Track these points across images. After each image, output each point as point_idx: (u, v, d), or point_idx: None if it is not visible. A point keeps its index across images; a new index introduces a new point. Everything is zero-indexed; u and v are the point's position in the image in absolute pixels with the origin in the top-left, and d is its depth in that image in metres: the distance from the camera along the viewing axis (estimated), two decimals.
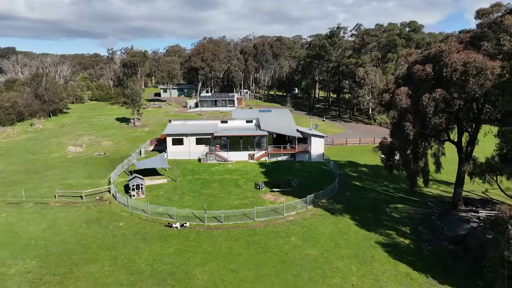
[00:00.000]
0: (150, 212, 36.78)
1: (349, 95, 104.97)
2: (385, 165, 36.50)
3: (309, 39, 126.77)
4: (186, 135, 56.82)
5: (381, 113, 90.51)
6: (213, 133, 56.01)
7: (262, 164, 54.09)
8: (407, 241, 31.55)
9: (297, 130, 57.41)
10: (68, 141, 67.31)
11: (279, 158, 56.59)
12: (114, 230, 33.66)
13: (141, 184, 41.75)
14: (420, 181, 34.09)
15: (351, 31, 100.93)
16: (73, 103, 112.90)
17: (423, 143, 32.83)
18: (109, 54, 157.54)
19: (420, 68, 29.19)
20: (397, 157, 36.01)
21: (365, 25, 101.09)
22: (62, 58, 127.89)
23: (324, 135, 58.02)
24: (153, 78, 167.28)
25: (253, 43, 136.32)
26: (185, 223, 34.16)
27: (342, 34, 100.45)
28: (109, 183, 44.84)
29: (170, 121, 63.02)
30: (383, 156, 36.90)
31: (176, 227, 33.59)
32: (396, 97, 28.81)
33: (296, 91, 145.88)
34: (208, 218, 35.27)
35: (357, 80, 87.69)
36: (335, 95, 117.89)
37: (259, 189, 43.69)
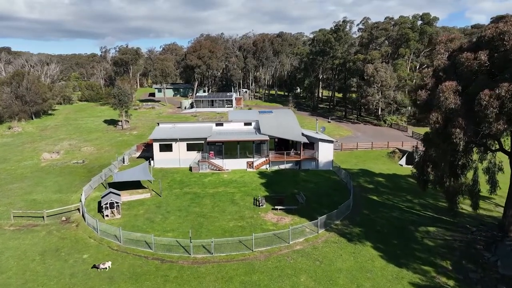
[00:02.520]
0: (124, 239, 29.59)
1: (356, 94, 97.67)
2: (418, 180, 29.24)
3: (311, 36, 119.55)
4: (176, 140, 49.63)
5: (391, 114, 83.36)
6: (206, 138, 48.84)
7: (262, 174, 46.91)
8: (451, 283, 24.32)
9: (302, 134, 50.26)
10: (45, 147, 60.17)
11: (282, 166, 49.40)
12: (74, 266, 26.47)
13: (117, 202, 34.54)
14: (463, 201, 26.82)
15: (357, 25, 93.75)
16: (60, 104, 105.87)
17: (467, 154, 25.58)
18: (102, 52, 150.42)
19: (470, 57, 22.07)
20: (429, 169, 28.78)
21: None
22: (49, 57, 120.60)
23: (333, 139, 50.78)
24: (149, 77, 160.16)
25: (252, 40, 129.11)
26: (107, 262, 26.18)
27: (348, 28, 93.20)
28: (84, 199, 37.64)
29: (158, 124, 55.82)
30: (414, 169, 29.67)
31: (105, 268, 25.70)
32: (440, 94, 21.63)
33: (298, 90, 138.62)
34: (194, 247, 28.12)
35: (365, 77, 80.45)
36: (340, 95, 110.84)
37: (259, 206, 36.51)
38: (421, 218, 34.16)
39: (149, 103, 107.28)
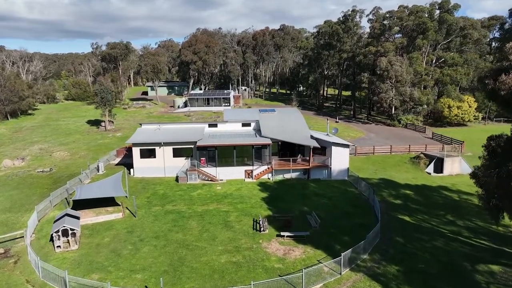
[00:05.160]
0: (71, 285, 21.28)
1: (365, 92, 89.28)
2: (489, 207, 20.89)
3: (314, 30, 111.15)
4: (160, 144, 41.39)
5: (406, 113, 74.86)
6: (196, 142, 40.54)
7: (263, 185, 38.61)
8: None
9: (311, 137, 42.01)
10: (11, 152, 51.92)
11: (287, 176, 41.14)
12: None
13: (72, 229, 26.19)
14: None
15: (367, 15, 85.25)
16: (44, 103, 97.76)
17: None
18: (93, 49, 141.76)
19: None
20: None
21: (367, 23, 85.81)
22: (31, 53, 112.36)
23: (349, 143, 42.51)
24: (142, 75, 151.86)
25: (252, 34, 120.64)
26: None
27: (359, 19, 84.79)
28: (37, 221, 29.35)
29: (140, 125, 47.57)
30: (480, 190, 21.35)
31: None
32: None
33: (301, 88, 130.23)
34: None
35: (378, 72, 72.06)
36: (348, 92, 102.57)
37: (260, 231, 28.23)
38: (475, 249, 25.84)
39: (139, 102, 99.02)
